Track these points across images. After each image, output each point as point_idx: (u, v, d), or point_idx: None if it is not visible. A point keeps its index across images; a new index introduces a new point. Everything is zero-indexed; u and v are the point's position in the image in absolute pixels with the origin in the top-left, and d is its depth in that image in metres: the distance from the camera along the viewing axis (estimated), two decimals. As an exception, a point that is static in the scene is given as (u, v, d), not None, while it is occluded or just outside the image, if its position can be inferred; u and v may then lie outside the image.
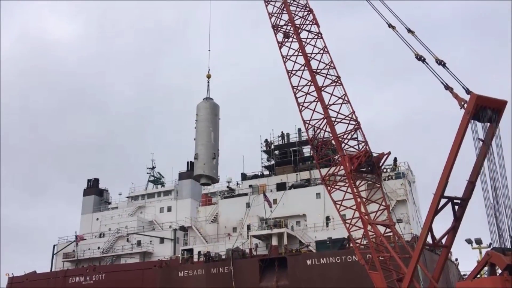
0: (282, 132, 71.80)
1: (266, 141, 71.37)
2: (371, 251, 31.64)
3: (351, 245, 53.30)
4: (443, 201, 21.89)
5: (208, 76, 59.13)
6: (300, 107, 38.87)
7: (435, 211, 21.73)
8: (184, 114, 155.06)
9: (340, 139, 35.77)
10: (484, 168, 21.02)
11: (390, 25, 31.49)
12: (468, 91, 22.64)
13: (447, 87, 24.66)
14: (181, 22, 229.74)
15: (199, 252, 62.13)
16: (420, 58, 27.68)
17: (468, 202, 21.89)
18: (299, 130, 70.34)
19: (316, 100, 37.76)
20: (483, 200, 20.29)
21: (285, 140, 71.30)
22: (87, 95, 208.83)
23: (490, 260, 19.01)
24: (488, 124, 21.51)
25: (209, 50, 57.80)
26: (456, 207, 22.22)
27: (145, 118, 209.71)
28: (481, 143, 21.30)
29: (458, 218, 22.05)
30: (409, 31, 29.44)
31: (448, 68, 25.47)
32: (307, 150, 69.59)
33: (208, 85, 59.48)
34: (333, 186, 35.61)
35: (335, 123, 36.77)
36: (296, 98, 39.34)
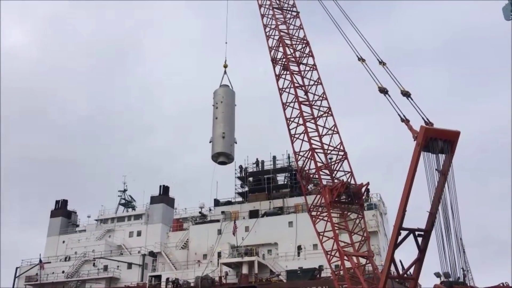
0: (257, 159, 71.79)
1: (240, 167, 71.11)
2: (346, 282, 31.80)
3: (321, 275, 53.18)
4: (405, 232, 21.88)
5: (225, 66, 62.98)
6: (292, 138, 39.60)
7: (395, 243, 21.71)
8: (143, 133, 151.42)
9: (330, 169, 36.53)
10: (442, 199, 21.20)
11: (360, 58, 32.30)
12: (427, 123, 23.08)
13: (403, 120, 25.30)
14: (133, 40, 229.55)
15: (167, 279, 60.55)
16: (383, 91, 28.48)
17: (430, 233, 21.89)
18: (274, 157, 70.48)
19: (304, 132, 38.60)
20: (435, 232, 20.40)
21: (260, 167, 71.20)
22: (39, 110, 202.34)
23: None
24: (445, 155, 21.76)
25: (226, 43, 63.50)
26: (420, 238, 22.22)
27: (110, 137, 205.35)
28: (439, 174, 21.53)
29: (422, 249, 22.03)
30: (381, 62, 30.21)
31: (412, 100, 26.17)
32: (281, 178, 69.66)
33: (225, 73, 63.54)
34: (317, 216, 35.84)
35: (328, 153, 37.65)
36: (289, 130, 40.21)
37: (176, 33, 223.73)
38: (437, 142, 21.26)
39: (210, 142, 61.82)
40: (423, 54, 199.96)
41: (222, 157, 61.46)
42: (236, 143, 62.59)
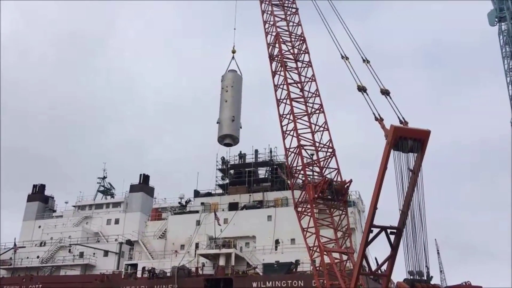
0: (240, 151, 71.79)
1: (222, 159, 71.03)
2: (325, 278, 32.30)
3: (298, 269, 53.64)
4: (377, 230, 22.14)
5: (233, 51, 63.29)
6: (284, 134, 39.77)
7: (366, 240, 21.98)
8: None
9: (319, 165, 36.86)
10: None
11: (343, 56, 32.37)
12: (402, 122, 23.32)
13: (376, 119, 25.48)
14: (102, 31, 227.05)
15: (143, 268, 60.35)
16: (361, 89, 28.68)
17: (402, 231, 22.16)
18: (256, 151, 70.57)
19: (294, 128, 38.82)
20: (405, 230, 20.67)
21: (242, 160, 71.22)
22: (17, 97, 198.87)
23: None
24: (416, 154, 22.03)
25: (235, 29, 63.62)
26: (393, 236, 22.50)
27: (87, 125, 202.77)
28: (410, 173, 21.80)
29: (394, 247, 22.33)
30: (364, 60, 30.36)
31: (390, 98, 26.41)
32: (262, 172, 69.79)
33: (233, 58, 63.97)
34: (303, 212, 36.09)
35: (319, 150, 37.89)
36: (282, 126, 40.26)
37: (156, 23, 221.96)
38: (406, 141, 21.44)
39: (217, 123, 62.53)
40: (406, 56, 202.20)
41: (228, 139, 61.99)
42: (241, 127, 63.43)
